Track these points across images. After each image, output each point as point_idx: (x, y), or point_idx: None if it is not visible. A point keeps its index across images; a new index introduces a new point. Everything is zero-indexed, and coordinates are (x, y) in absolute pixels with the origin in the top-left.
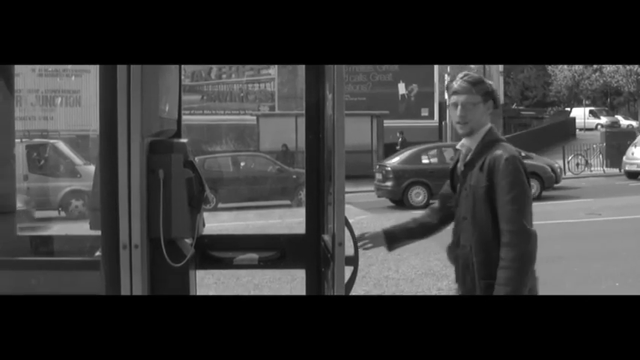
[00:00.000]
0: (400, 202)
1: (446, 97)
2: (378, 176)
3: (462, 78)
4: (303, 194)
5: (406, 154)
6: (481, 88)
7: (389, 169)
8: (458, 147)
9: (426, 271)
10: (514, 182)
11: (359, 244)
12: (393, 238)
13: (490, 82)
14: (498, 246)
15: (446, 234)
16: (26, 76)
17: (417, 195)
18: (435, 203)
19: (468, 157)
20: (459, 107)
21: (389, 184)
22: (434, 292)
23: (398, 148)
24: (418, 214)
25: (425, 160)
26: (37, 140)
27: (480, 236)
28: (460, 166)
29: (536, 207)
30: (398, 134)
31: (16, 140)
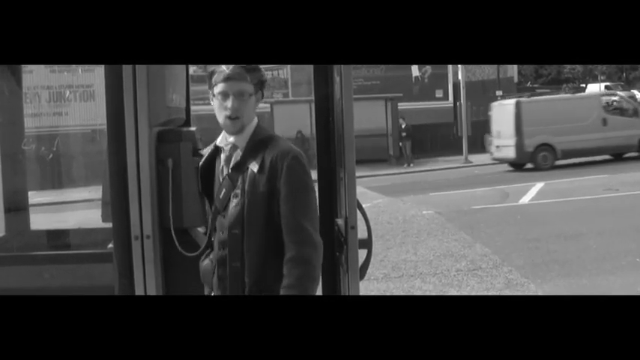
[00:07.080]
0: None
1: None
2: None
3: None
4: None
5: None
6: (256, 76)
7: None
8: (218, 144)
9: (444, 252)
10: (298, 187)
11: None
12: None
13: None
14: (277, 260)
15: (464, 215)
16: (39, 72)
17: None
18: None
19: (237, 158)
20: (231, 98)
21: None
22: (453, 273)
23: (404, 135)
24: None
25: None
26: None
27: (257, 251)
28: (225, 168)
29: (553, 184)
30: (400, 120)
31: None
